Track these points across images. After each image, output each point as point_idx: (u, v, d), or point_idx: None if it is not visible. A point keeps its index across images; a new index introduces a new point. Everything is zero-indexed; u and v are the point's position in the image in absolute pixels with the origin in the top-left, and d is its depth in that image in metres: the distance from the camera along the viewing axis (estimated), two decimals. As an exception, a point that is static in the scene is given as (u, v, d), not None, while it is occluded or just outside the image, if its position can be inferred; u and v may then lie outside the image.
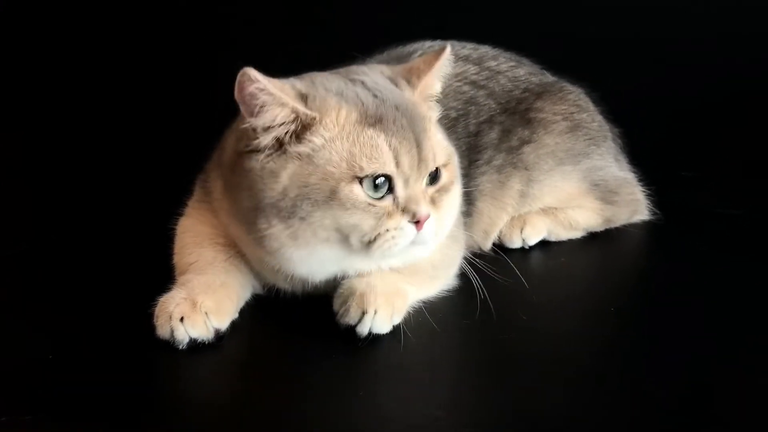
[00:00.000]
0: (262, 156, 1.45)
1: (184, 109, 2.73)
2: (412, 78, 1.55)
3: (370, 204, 1.44)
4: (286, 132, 1.43)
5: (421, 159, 1.47)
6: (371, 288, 1.51)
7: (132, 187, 2.27)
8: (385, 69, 1.60)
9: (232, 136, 1.55)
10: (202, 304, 1.47)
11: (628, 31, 2.94)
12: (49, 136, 2.70)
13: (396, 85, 1.54)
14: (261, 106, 1.42)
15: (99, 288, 1.72)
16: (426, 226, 1.47)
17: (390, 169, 1.44)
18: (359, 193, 1.43)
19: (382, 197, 1.45)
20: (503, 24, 2.75)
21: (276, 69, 1.51)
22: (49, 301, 1.68)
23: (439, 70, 1.57)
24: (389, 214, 1.45)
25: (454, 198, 1.57)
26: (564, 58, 2.12)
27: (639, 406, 1.37)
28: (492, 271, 1.66)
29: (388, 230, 1.45)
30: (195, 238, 1.63)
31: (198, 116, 1.65)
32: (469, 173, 1.84)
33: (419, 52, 1.94)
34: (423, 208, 1.46)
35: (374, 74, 1.56)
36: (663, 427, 1.33)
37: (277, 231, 1.45)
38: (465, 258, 1.68)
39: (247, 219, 1.49)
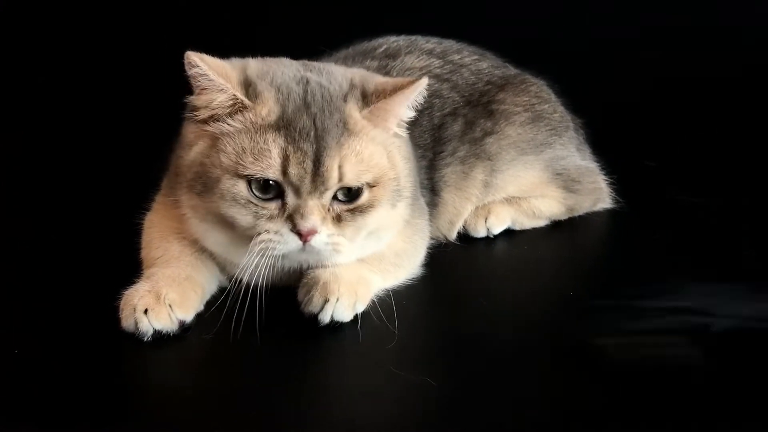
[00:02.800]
0: (192, 125, 1.52)
1: (153, 106, 2.73)
2: (372, 96, 1.53)
3: (251, 202, 1.46)
4: (221, 112, 1.48)
5: (317, 174, 1.45)
6: (335, 277, 1.53)
7: (100, 182, 2.28)
8: (357, 76, 1.58)
9: None
10: (166, 296, 1.48)
11: (590, 22, 2.97)
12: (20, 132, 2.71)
13: (345, 96, 1.52)
14: (202, 88, 1.48)
15: (64, 282, 1.72)
16: (315, 240, 1.47)
17: (274, 175, 1.45)
18: (242, 189, 1.46)
19: (270, 200, 1.47)
20: (468, 19, 2.78)
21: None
22: (14, 294, 1.69)
23: (405, 97, 1.54)
24: (271, 217, 1.47)
25: (369, 222, 1.53)
26: (527, 51, 2.15)
27: (596, 393, 1.40)
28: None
29: (267, 231, 1.47)
30: (161, 232, 1.64)
31: (165, 112, 1.66)
32: (433, 165, 1.87)
33: (384, 47, 1.97)
34: (307, 222, 1.46)
35: (339, 78, 1.56)
36: (620, 414, 1.35)
37: (184, 198, 1.54)
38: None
39: (171, 183, 1.59)
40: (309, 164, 1.45)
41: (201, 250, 1.62)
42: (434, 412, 1.36)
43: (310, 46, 1.91)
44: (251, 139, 1.46)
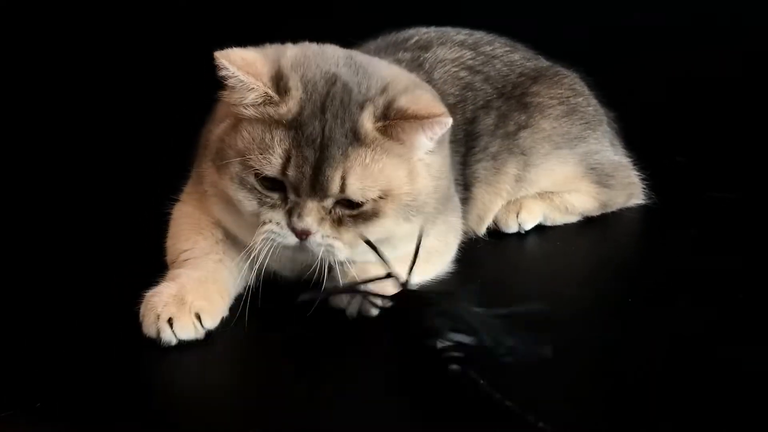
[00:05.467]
0: (223, 104, 1.52)
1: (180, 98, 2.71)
2: (391, 112, 1.44)
3: (256, 189, 1.44)
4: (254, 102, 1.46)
5: (317, 181, 1.41)
6: (363, 272, 1.51)
7: (111, 179, 2.26)
8: (400, 87, 1.49)
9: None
10: (192, 304, 1.43)
11: (623, 16, 2.93)
12: (46, 121, 2.68)
13: (362, 103, 1.45)
14: (232, 87, 1.45)
15: (85, 278, 1.70)
16: (311, 240, 1.45)
17: (272, 173, 1.42)
18: (249, 175, 1.44)
19: (274, 190, 1.45)
20: (498, 9, 2.74)
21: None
22: (27, 291, 1.67)
23: (420, 126, 1.44)
24: (273, 206, 1.45)
25: (374, 228, 1.48)
26: (558, 44, 2.11)
27: (630, 390, 1.37)
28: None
29: (270, 221, 1.45)
30: (193, 225, 1.61)
31: (193, 106, 1.64)
32: (465, 160, 1.84)
33: (415, 39, 1.94)
34: (302, 222, 1.43)
35: (368, 80, 1.49)
36: (651, 411, 1.32)
37: (208, 172, 1.54)
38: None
39: (198, 157, 1.59)
40: (308, 171, 1.41)
41: (233, 247, 1.58)
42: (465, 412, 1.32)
43: (340, 37, 1.88)
44: (263, 131, 1.44)
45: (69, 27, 2.89)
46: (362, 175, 1.43)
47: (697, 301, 1.64)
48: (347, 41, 1.88)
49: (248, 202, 1.46)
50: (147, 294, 1.47)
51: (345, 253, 1.48)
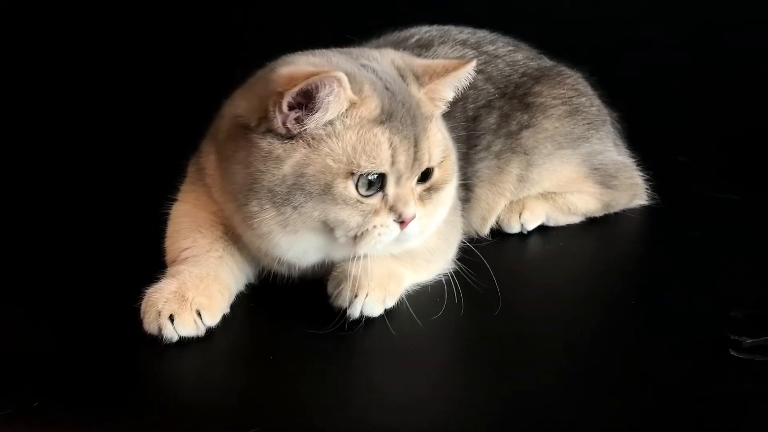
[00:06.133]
0: (276, 140, 1.42)
1: (175, 97, 2.71)
2: (424, 77, 1.52)
3: (359, 201, 1.42)
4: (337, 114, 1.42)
5: (416, 158, 1.45)
6: (365, 271, 1.50)
7: (110, 179, 2.25)
8: (397, 58, 1.57)
9: (234, 106, 1.52)
10: (193, 301, 1.43)
11: (626, 15, 2.93)
12: (47, 122, 2.67)
13: (403, 78, 1.51)
14: (321, 106, 1.39)
15: (86, 276, 1.70)
16: (411, 225, 1.47)
17: (386, 168, 1.42)
18: (352, 190, 1.41)
19: (372, 195, 1.44)
20: (501, 8, 2.73)
21: (267, 49, 1.51)
22: (31, 286, 1.67)
23: (455, 79, 1.54)
24: (376, 212, 1.44)
25: (444, 197, 1.56)
26: (561, 43, 2.11)
27: (632, 392, 1.36)
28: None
29: (375, 227, 1.44)
30: (192, 223, 1.59)
31: (188, 102, 1.63)
32: (467, 159, 1.83)
33: (416, 37, 1.93)
34: (410, 209, 1.45)
35: (385, 62, 1.53)
36: (655, 412, 1.31)
37: (268, 216, 1.43)
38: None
39: (238, 197, 1.46)
40: (412, 150, 1.45)
41: (233, 243, 1.57)
42: (466, 408, 1.33)
43: (339, 36, 1.87)
44: (359, 136, 1.41)
45: (69, 27, 2.89)
46: (435, 141, 1.51)
47: (702, 302, 1.63)
48: (347, 40, 1.88)
49: (352, 219, 1.43)
50: (148, 291, 1.46)
51: (429, 229, 1.56)
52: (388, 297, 1.53)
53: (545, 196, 1.94)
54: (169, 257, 1.59)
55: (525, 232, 1.93)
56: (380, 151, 1.41)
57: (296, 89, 1.36)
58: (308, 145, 1.41)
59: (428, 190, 1.52)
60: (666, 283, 1.72)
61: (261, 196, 1.42)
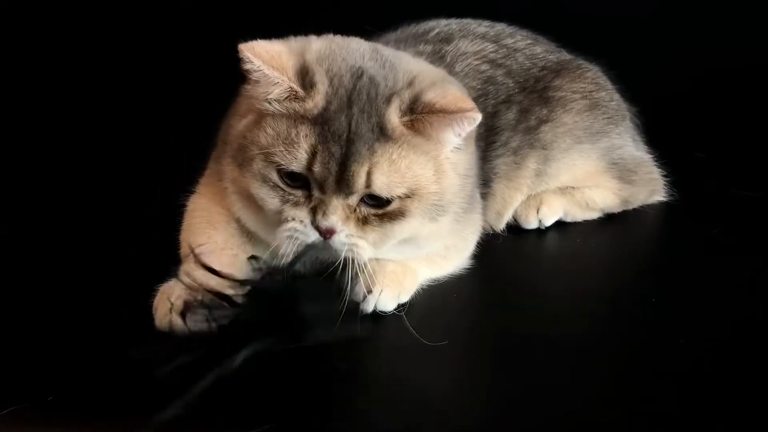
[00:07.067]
0: (246, 99, 1.48)
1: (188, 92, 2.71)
2: (419, 106, 1.41)
3: (279, 186, 1.41)
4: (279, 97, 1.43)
5: (342, 178, 1.38)
6: (381, 266, 1.49)
7: (133, 171, 2.24)
8: (427, 82, 1.45)
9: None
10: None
11: (646, 10, 2.89)
12: (46, 122, 2.66)
13: (389, 97, 1.42)
14: (256, 81, 1.42)
15: (98, 271, 1.69)
16: (336, 238, 1.42)
17: (298, 168, 1.39)
18: (272, 172, 1.41)
19: (298, 187, 1.42)
20: (520, 2, 2.71)
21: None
22: (41, 282, 1.66)
23: (447, 122, 1.41)
24: (296, 204, 1.42)
25: (400, 228, 1.45)
26: (579, 37, 2.07)
27: (648, 390, 1.35)
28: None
29: (293, 219, 1.42)
30: (208, 218, 1.59)
31: (195, 97, 1.62)
32: (485, 155, 1.81)
33: (436, 31, 1.91)
34: (327, 220, 1.40)
35: (394, 73, 1.46)
36: (671, 411, 1.30)
37: (228, 169, 1.50)
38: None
39: (218, 153, 1.56)
40: (334, 167, 1.38)
41: (248, 241, 1.57)
42: (480, 406, 1.32)
43: (358, 27, 1.85)
44: (288, 126, 1.40)
45: (71, 27, 2.89)
46: (389, 171, 1.40)
47: (719, 300, 1.62)
48: (365, 31, 1.86)
49: (270, 200, 1.43)
50: (160, 287, 1.46)
51: (369, 252, 1.45)
52: (402, 293, 1.53)
53: (563, 191, 1.92)
54: (183, 251, 1.58)
55: (542, 228, 1.91)
56: (297, 150, 1.39)
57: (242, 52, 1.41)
58: (257, 114, 1.44)
59: (380, 216, 1.43)
60: (683, 280, 1.71)
61: (227, 149, 1.51)
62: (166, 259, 1.57)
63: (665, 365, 1.41)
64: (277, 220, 1.44)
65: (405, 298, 1.53)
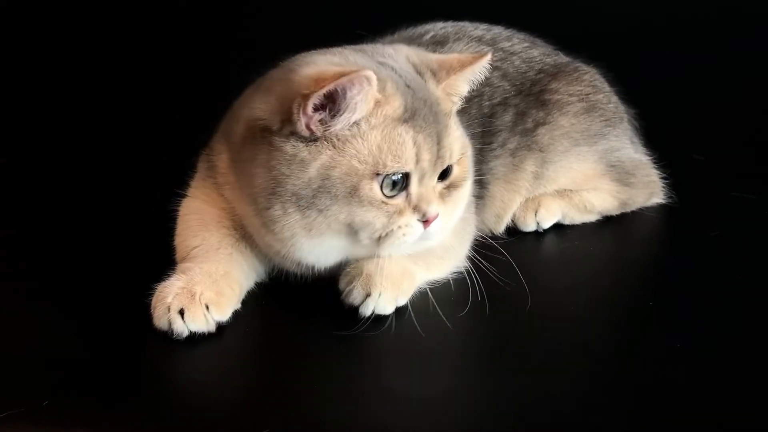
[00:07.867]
0: (300, 143, 1.39)
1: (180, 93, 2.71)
2: (441, 72, 1.50)
3: (383, 202, 1.41)
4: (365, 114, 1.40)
5: (439, 156, 1.44)
6: (378, 269, 1.49)
7: (130, 173, 2.25)
8: (412, 54, 1.55)
9: (251, 108, 1.48)
10: (202, 295, 1.42)
11: (642, 12, 2.90)
12: (56, 116, 2.68)
13: (421, 74, 1.50)
14: (349, 107, 1.37)
15: (96, 272, 1.69)
16: (433, 224, 1.46)
17: (411, 167, 1.41)
18: (377, 191, 1.40)
19: (396, 196, 1.42)
20: (516, 4, 2.71)
21: (273, 46, 1.50)
22: (40, 283, 1.66)
23: (471, 73, 1.53)
24: (400, 212, 1.43)
25: (463, 194, 1.55)
26: (577, 40, 2.08)
27: (648, 393, 1.34)
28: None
29: (399, 227, 1.43)
30: (201, 220, 1.58)
31: (194, 98, 1.62)
32: (482, 156, 1.81)
33: (431, 34, 1.91)
34: (433, 208, 1.45)
35: (400, 58, 1.52)
36: (670, 415, 1.29)
37: (292, 220, 1.41)
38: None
39: (259, 201, 1.43)
40: (435, 148, 1.43)
41: (241, 240, 1.56)
42: (478, 409, 1.32)
43: (351, 32, 1.86)
44: (383, 135, 1.39)
45: (71, 27, 2.90)
46: (455, 137, 1.50)
47: (720, 303, 1.61)
48: (359, 36, 1.86)
49: (377, 220, 1.42)
50: (158, 286, 1.46)
51: (450, 227, 1.55)
52: (400, 296, 1.53)
53: (561, 193, 1.92)
54: (178, 255, 1.58)
55: (540, 230, 1.91)
56: (405, 150, 1.40)
57: (324, 90, 1.33)
58: (333, 146, 1.39)
59: (448, 187, 1.51)
60: (682, 282, 1.70)
61: (285, 200, 1.40)
62: (165, 258, 1.58)
63: (664, 368, 1.41)
64: (366, 239, 1.45)
65: (403, 301, 1.53)
